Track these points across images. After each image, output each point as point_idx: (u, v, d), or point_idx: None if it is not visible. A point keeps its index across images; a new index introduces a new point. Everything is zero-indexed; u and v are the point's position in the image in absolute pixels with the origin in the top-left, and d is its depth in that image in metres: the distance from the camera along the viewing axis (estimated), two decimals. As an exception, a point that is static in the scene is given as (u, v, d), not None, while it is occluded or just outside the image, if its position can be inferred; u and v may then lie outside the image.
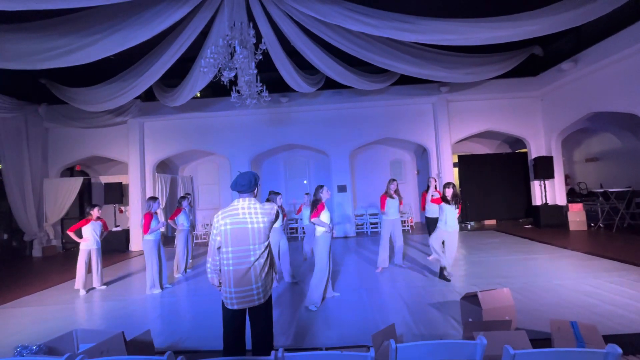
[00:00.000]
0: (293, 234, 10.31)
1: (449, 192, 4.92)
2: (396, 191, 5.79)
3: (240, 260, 2.32)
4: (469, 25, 5.55)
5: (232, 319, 2.37)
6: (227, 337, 2.41)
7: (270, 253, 2.49)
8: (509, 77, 9.03)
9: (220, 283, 2.42)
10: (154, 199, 5.41)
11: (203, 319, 3.92)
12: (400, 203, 5.75)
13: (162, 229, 5.46)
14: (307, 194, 7.19)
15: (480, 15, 5.55)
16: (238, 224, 2.34)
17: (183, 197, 6.61)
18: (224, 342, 2.42)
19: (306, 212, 6.75)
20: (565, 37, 8.50)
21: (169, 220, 6.39)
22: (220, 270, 2.40)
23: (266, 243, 2.42)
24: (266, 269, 2.41)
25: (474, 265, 5.74)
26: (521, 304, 3.75)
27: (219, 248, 2.39)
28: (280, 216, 5.40)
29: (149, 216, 5.21)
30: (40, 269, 7.69)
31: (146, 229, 5.15)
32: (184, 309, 4.45)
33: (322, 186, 4.48)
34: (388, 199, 5.72)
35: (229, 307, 2.33)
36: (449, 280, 4.83)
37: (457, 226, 4.87)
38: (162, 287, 5.29)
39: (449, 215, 4.85)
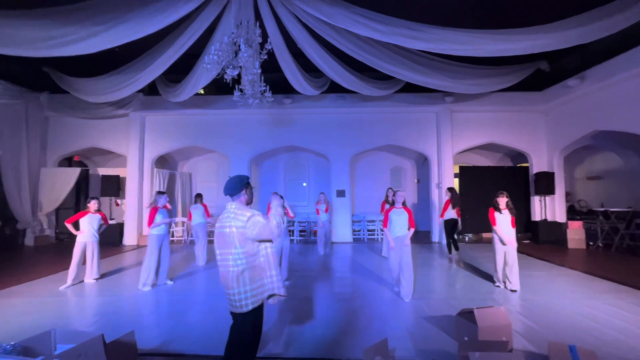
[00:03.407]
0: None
1: (502, 202, 4.85)
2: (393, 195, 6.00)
3: (223, 263, 2.37)
4: (478, 36, 5.51)
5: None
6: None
7: (245, 264, 2.31)
8: (514, 91, 8.99)
9: None
10: (161, 193, 5.43)
11: (193, 321, 3.83)
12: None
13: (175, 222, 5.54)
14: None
15: (490, 27, 5.50)
16: (223, 227, 2.37)
17: (198, 195, 7.22)
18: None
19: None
20: (572, 54, 8.47)
21: (187, 220, 7.14)
22: None
23: (239, 250, 2.29)
24: (240, 280, 2.28)
25: (471, 279, 5.65)
26: (518, 323, 3.67)
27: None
28: (284, 217, 5.34)
29: (154, 210, 5.21)
30: (32, 258, 7.59)
31: (150, 223, 5.17)
32: (174, 310, 4.33)
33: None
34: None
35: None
36: (515, 291, 4.82)
37: (513, 234, 4.83)
38: (155, 284, 5.24)
39: (503, 223, 4.83)
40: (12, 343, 1.92)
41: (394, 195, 6.49)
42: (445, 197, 7.67)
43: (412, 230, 4.62)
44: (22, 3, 4.95)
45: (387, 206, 6.99)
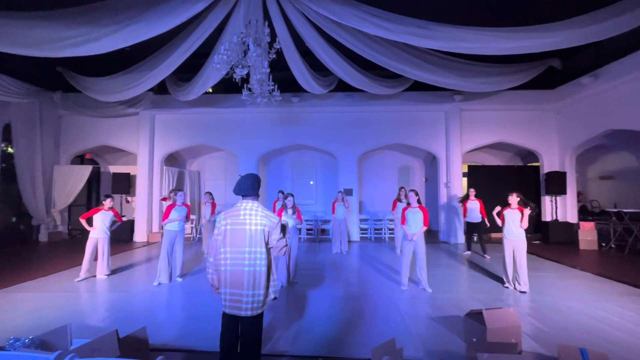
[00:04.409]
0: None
1: (512, 200, 4.96)
2: (405, 195, 7.31)
3: (235, 262, 2.30)
4: (488, 34, 5.43)
5: (227, 323, 2.35)
6: (221, 341, 2.38)
7: (269, 264, 2.39)
8: (525, 89, 8.85)
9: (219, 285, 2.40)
10: (177, 191, 5.58)
11: (204, 317, 3.88)
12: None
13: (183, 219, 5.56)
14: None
15: (501, 25, 5.42)
16: (238, 225, 2.33)
17: (208, 192, 7.95)
18: (219, 346, 2.40)
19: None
20: (586, 51, 8.29)
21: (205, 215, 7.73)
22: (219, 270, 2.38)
23: (264, 249, 2.32)
24: (262, 280, 2.30)
25: (479, 279, 5.61)
26: (527, 324, 3.64)
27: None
28: (294, 215, 5.39)
29: (170, 207, 5.38)
30: (45, 254, 7.78)
31: (163, 218, 5.37)
32: (186, 305, 4.42)
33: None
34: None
35: (223, 309, 2.33)
36: (524, 292, 4.79)
37: (523, 234, 4.87)
38: (170, 280, 5.35)
39: (513, 223, 4.88)
40: (31, 337, 1.99)
41: (405, 196, 7.39)
42: (473, 197, 7.47)
43: (424, 228, 4.87)
44: (36, 5, 5.05)
45: (398, 204, 7.59)
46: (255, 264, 2.28)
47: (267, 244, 2.36)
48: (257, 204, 2.42)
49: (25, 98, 8.74)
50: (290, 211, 5.35)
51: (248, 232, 2.29)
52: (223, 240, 2.34)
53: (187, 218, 5.57)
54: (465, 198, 7.61)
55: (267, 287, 2.36)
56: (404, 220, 5.01)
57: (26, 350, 1.71)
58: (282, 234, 2.42)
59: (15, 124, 8.82)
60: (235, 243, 2.30)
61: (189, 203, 10.58)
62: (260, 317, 2.36)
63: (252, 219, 2.32)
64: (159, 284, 5.21)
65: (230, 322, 2.34)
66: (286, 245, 2.46)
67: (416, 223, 4.86)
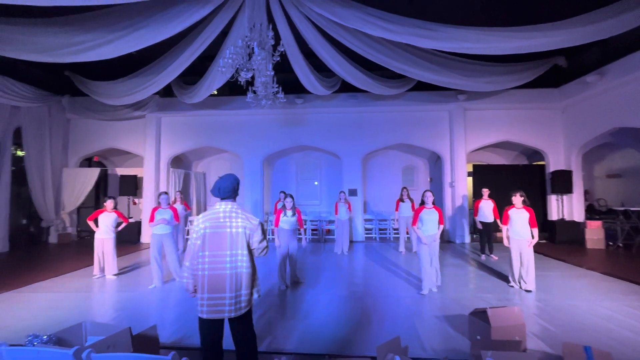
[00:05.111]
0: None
1: (516, 200, 4.94)
2: (408, 195, 7.80)
3: (215, 266, 2.22)
4: (491, 33, 5.44)
5: (206, 328, 2.28)
6: (202, 347, 2.33)
7: (253, 265, 2.36)
8: (529, 88, 8.82)
9: (195, 289, 2.31)
10: (163, 194, 5.55)
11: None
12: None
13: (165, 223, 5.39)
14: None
15: (505, 24, 5.43)
16: (218, 228, 2.26)
17: None
18: (201, 351, 2.35)
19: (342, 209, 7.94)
20: (591, 49, 8.24)
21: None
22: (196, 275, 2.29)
23: (245, 252, 2.28)
24: (245, 282, 2.27)
25: (484, 279, 5.62)
26: (533, 323, 3.65)
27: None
28: (294, 217, 5.31)
29: (154, 210, 5.35)
30: (55, 255, 7.93)
31: (149, 221, 5.37)
32: (192, 304, 4.48)
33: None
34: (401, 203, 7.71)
35: (199, 314, 2.25)
36: (530, 291, 4.78)
37: (529, 234, 4.83)
38: (161, 283, 5.31)
39: (518, 223, 4.85)
40: (48, 334, 2.08)
41: (407, 196, 7.66)
42: (486, 197, 7.24)
43: (442, 227, 4.86)
44: (46, 12, 5.16)
45: (401, 204, 7.71)
46: (237, 266, 2.24)
47: (249, 245, 2.34)
48: (237, 205, 2.38)
49: (34, 102, 8.91)
50: (289, 213, 5.27)
51: (229, 235, 2.24)
52: (202, 244, 2.26)
53: (174, 220, 5.40)
54: (479, 197, 7.44)
55: (252, 287, 2.34)
56: (416, 221, 4.84)
57: (45, 346, 1.78)
58: (262, 236, 2.38)
59: (25, 127, 9.00)
60: (216, 247, 2.24)
61: (194, 204, 10.72)
62: (248, 315, 2.35)
63: (232, 222, 2.27)
64: (154, 286, 5.20)
65: (212, 326, 2.27)
66: (267, 247, 2.42)
67: (433, 224, 4.74)
